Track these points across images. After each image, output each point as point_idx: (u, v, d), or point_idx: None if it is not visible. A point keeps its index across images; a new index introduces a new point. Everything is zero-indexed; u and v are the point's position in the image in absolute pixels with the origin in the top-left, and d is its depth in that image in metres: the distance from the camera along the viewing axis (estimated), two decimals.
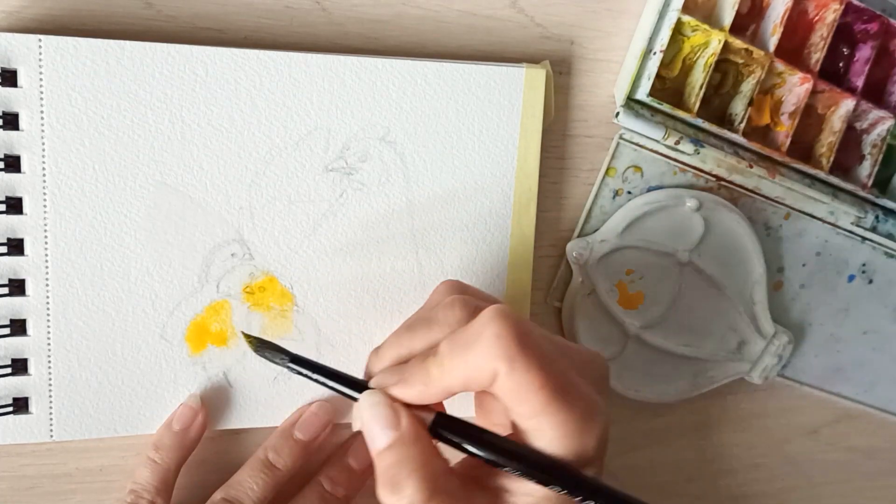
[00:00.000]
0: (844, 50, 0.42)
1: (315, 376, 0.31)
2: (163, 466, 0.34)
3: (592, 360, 0.31)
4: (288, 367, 0.31)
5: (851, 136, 0.43)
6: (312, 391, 0.37)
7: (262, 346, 0.32)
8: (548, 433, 0.28)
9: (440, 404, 0.31)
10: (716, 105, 0.41)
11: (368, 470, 0.37)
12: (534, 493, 0.28)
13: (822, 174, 0.42)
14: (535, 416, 0.28)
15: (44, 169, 0.32)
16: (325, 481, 0.37)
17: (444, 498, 0.28)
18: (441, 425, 0.29)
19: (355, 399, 0.30)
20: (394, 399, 0.29)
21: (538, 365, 0.27)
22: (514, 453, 0.28)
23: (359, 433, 0.32)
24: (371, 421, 0.29)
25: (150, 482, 0.34)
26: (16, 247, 0.33)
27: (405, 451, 0.28)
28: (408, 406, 0.29)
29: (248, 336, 0.32)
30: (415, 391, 0.29)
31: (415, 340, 0.31)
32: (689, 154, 0.40)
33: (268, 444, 0.36)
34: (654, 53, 0.38)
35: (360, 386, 0.30)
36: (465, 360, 0.28)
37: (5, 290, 0.33)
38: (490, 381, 0.28)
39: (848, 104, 0.41)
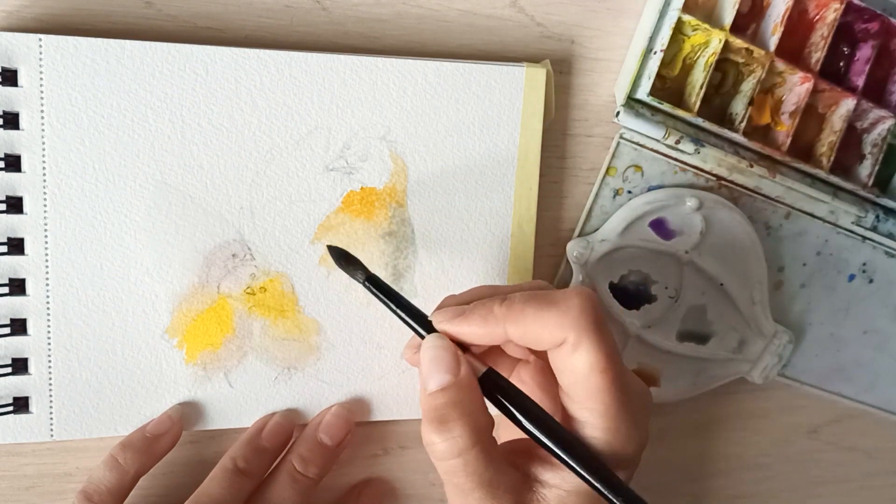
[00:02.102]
0: (845, 49, 0.42)
1: (385, 301, 0.32)
2: (124, 469, 0.33)
3: (648, 394, 0.32)
4: (364, 286, 0.32)
5: (852, 136, 0.43)
6: (312, 391, 0.37)
7: (343, 259, 0.33)
8: (596, 423, 0.28)
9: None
10: (716, 104, 0.41)
11: (341, 446, 0.37)
12: (563, 487, 0.29)
13: (822, 174, 0.42)
14: (587, 401, 0.28)
15: (44, 168, 0.32)
16: (295, 461, 0.36)
17: (484, 450, 0.28)
18: (492, 381, 0.30)
19: (420, 335, 0.31)
20: (451, 338, 0.30)
21: (607, 350, 0.28)
22: (555, 430, 0.28)
23: (327, 409, 0.35)
24: (432, 361, 0.29)
25: (106, 485, 0.33)
26: (16, 246, 0.33)
27: (459, 396, 0.29)
28: (465, 352, 0.30)
29: (332, 247, 0.34)
30: (471, 327, 0.30)
31: (494, 291, 0.32)
32: (689, 153, 0.40)
33: (233, 452, 0.36)
34: (655, 53, 0.38)
35: (425, 320, 0.31)
36: (538, 315, 0.28)
37: (5, 290, 0.33)
38: (552, 344, 0.28)
39: (848, 103, 0.41)
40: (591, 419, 0.28)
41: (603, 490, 0.27)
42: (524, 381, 0.33)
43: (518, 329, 0.29)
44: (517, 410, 0.29)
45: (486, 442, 0.29)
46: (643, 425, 0.29)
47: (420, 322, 0.31)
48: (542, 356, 0.33)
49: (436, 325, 0.31)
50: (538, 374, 0.33)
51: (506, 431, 0.31)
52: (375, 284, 0.32)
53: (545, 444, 0.28)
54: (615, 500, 0.27)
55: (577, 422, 0.29)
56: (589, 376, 0.28)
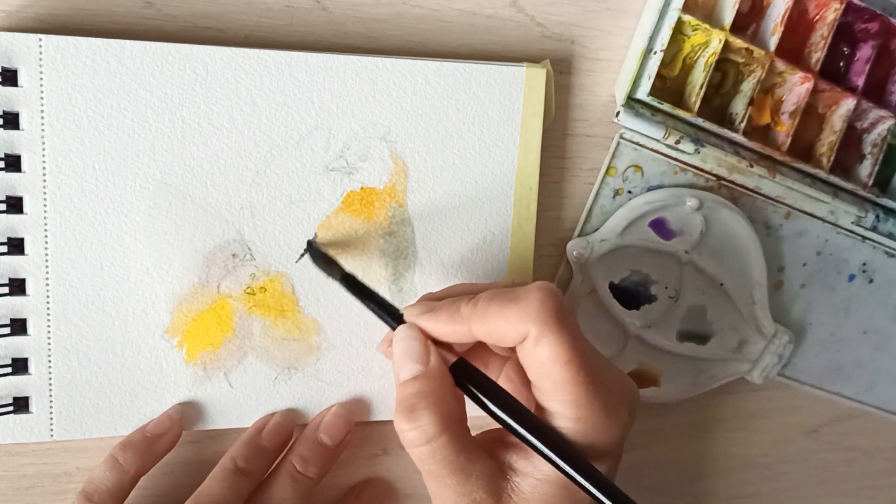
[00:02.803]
0: (845, 49, 0.42)
1: (360, 298, 0.33)
2: (124, 469, 0.34)
3: (628, 385, 0.31)
4: (339, 283, 0.34)
5: (852, 136, 0.43)
6: (312, 391, 0.37)
7: (320, 258, 0.35)
8: (566, 413, 0.28)
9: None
10: (716, 104, 0.41)
11: (341, 446, 0.37)
12: (535, 475, 0.29)
13: (822, 173, 0.42)
14: (555, 392, 0.28)
15: (44, 168, 0.32)
16: (296, 461, 0.36)
17: (453, 437, 0.29)
18: (463, 370, 0.30)
19: (393, 327, 0.32)
20: (423, 333, 0.31)
21: (569, 341, 0.28)
22: (525, 417, 0.29)
23: (327, 409, 0.36)
24: (403, 352, 0.30)
25: (106, 485, 0.33)
26: (16, 246, 0.33)
27: (428, 385, 0.29)
28: (436, 344, 0.31)
29: (311, 244, 0.35)
30: (438, 324, 0.30)
31: (470, 289, 0.32)
32: (689, 153, 0.40)
33: (233, 452, 0.36)
34: (655, 53, 0.38)
35: (399, 316, 0.32)
36: (501, 311, 0.29)
37: (5, 290, 0.33)
38: (516, 339, 0.29)
39: (848, 103, 0.41)
40: (561, 410, 0.28)
41: (567, 469, 0.27)
42: (511, 378, 0.33)
43: (482, 328, 0.29)
44: (486, 397, 0.29)
45: (456, 429, 0.29)
46: (619, 413, 0.29)
47: (394, 317, 0.32)
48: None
49: (406, 318, 0.32)
50: (517, 369, 0.33)
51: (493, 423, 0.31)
52: (350, 282, 0.33)
53: (513, 428, 0.28)
54: (582, 481, 0.27)
55: (548, 413, 0.29)
56: (553, 368, 0.28)
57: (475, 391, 0.29)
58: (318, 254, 0.35)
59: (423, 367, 0.30)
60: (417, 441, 0.29)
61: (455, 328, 0.30)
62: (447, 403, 0.29)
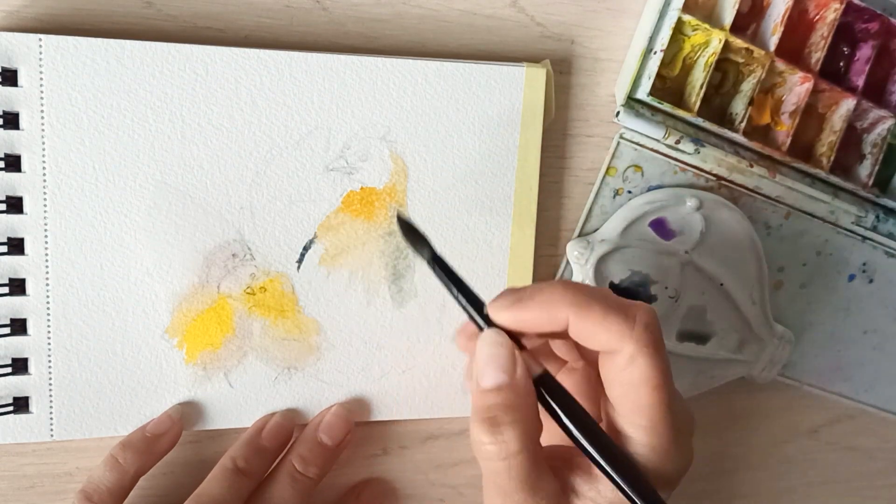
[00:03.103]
0: (845, 49, 0.42)
1: (446, 284, 0.31)
2: (124, 469, 0.34)
3: (691, 416, 0.31)
4: (427, 263, 0.31)
5: (852, 136, 0.43)
6: (312, 391, 0.37)
7: (411, 234, 0.32)
8: (642, 439, 0.28)
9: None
10: (716, 104, 0.41)
11: (341, 446, 0.37)
12: (598, 501, 0.28)
13: (822, 173, 0.42)
14: (634, 416, 0.28)
15: (44, 168, 0.32)
16: (296, 461, 0.36)
17: (530, 455, 0.28)
18: (547, 383, 0.29)
19: (479, 325, 0.30)
20: (508, 332, 0.29)
21: (663, 367, 0.28)
22: (601, 439, 0.28)
23: (327, 409, 0.35)
24: (488, 358, 0.29)
25: (105, 484, 0.33)
26: (16, 246, 0.33)
27: (514, 399, 0.28)
28: (521, 351, 0.29)
29: (400, 219, 0.32)
30: (532, 312, 0.29)
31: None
32: (689, 153, 0.40)
33: (233, 452, 0.36)
34: (655, 53, 0.38)
35: (483, 309, 0.30)
36: (604, 315, 0.28)
37: (5, 290, 0.33)
38: (606, 348, 0.28)
39: (848, 103, 0.41)
40: (637, 435, 0.28)
41: None
42: (566, 387, 0.33)
43: (580, 321, 0.28)
44: (570, 420, 0.28)
45: (533, 447, 0.28)
46: (686, 448, 0.29)
47: (479, 310, 0.30)
48: (590, 363, 0.32)
49: (493, 312, 0.30)
50: (583, 382, 0.32)
51: (545, 433, 0.30)
52: (440, 265, 0.31)
53: (598, 462, 0.28)
54: None
55: (621, 436, 0.28)
56: (640, 391, 0.27)
57: (557, 409, 0.28)
58: (408, 228, 0.32)
59: (509, 378, 0.28)
60: (496, 456, 0.28)
61: (551, 314, 0.28)
62: (530, 420, 0.28)
